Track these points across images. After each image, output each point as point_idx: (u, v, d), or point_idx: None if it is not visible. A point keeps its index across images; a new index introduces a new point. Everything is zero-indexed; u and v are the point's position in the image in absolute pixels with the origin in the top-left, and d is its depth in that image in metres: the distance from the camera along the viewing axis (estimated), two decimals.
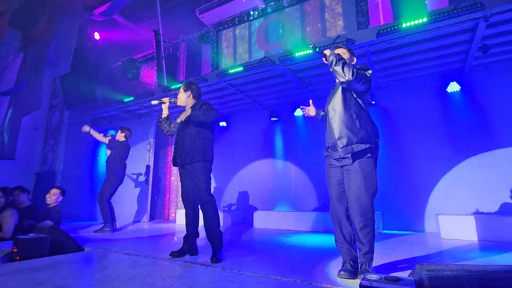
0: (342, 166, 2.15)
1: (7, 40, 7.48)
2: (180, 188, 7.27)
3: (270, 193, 6.20)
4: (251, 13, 6.42)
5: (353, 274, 1.94)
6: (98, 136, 5.34)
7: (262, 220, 5.34)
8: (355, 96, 2.14)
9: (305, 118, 6.00)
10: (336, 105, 2.13)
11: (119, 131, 5.26)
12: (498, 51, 4.23)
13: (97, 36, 7.79)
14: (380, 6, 5.13)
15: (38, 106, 6.92)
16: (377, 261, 2.44)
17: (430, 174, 4.67)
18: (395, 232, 4.60)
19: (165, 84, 6.29)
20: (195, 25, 7.22)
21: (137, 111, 7.16)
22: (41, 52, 7.40)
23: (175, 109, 6.28)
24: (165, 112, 2.97)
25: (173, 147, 2.96)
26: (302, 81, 5.21)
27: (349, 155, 2.04)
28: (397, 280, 1.13)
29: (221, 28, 6.86)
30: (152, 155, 7.07)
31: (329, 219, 4.72)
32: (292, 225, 5.01)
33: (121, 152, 5.08)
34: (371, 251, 1.99)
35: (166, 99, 2.93)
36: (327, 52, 2.16)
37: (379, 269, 2.20)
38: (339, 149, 2.03)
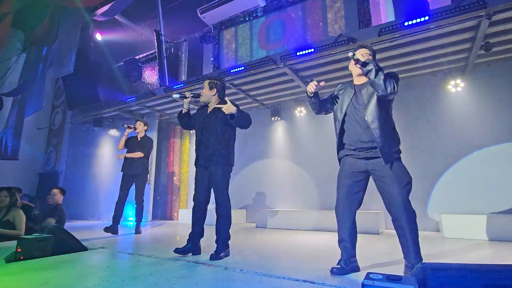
0: (365, 170, 2.14)
1: (10, 41, 7.52)
2: (181, 187, 7.29)
3: (272, 192, 6.21)
4: (252, 12, 6.42)
5: (344, 271, 2.02)
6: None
7: (264, 219, 5.34)
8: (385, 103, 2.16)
9: (307, 117, 6.00)
10: (374, 112, 2.10)
11: (143, 124, 4.85)
12: (501, 50, 4.21)
13: (99, 36, 7.82)
14: (382, 5, 5.12)
15: (41, 106, 6.94)
16: (379, 260, 2.45)
17: (432, 173, 4.66)
18: None
19: (167, 84, 6.30)
20: (197, 25, 7.23)
21: (139, 111, 7.18)
22: (44, 53, 7.43)
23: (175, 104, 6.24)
24: (186, 107, 2.93)
25: (195, 146, 2.90)
26: (303, 80, 5.21)
27: (387, 161, 2.05)
28: (399, 279, 1.13)
29: (222, 27, 6.86)
30: (154, 155, 7.08)
31: (330, 218, 4.73)
32: (294, 224, 5.01)
33: (151, 148, 4.86)
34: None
35: (188, 93, 2.86)
36: (360, 57, 2.14)
37: (382, 269, 2.20)
38: (383, 156, 2.03)
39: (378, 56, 4.42)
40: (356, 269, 2.09)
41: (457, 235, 3.74)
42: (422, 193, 4.64)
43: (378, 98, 2.10)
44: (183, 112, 2.93)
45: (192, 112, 2.98)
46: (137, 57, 7.78)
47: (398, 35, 3.85)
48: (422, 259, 1.99)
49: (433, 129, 4.79)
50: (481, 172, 4.34)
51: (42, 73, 6.93)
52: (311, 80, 2.32)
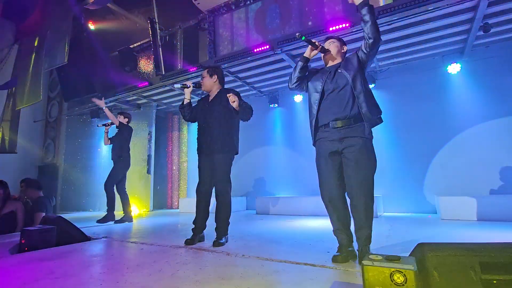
0: (342, 149, 2.01)
1: (1, 32, 7.37)
2: (181, 177, 7.33)
3: (271, 179, 6.25)
4: None
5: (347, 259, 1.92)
6: (110, 115, 4.79)
7: (264, 206, 5.40)
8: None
9: (305, 104, 5.97)
10: (358, 79, 1.97)
11: (122, 116, 4.89)
12: (500, 30, 4.16)
13: (91, 25, 7.66)
14: None
15: (38, 98, 6.84)
16: (379, 242, 2.49)
17: (428, 155, 4.71)
18: (395, 214, 4.65)
19: (163, 73, 6.23)
20: (191, 12, 7.07)
21: (136, 101, 7.13)
22: (36, 44, 7.29)
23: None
24: (187, 98, 2.85)
25: (198, 135, 2.86)
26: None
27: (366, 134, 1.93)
28: (398, 259, 1.16)
29: (217, 13, 6.72)
30: (153, 145, 7.08)
31: None
32: (293, 210, 5.07)
33: (128, 136, 4.83)
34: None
35: (189, 83, 2.80)
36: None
37: (381, 250, 2.25)
38: (366, 127, 1.92)
39: None
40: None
41: (454, 216, 3.80)
42: (419, 175, 4.71)
43: (359, 61, 2.04)
44: (185, 102, 2.86)
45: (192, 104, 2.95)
46: (131, 46, 7.64)
47: (396, 18, 3.80)
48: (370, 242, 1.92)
49: (432, 112, 4.79)
50: (478, 153, 4.38)
51: (36, 65, 6.82)
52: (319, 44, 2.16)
